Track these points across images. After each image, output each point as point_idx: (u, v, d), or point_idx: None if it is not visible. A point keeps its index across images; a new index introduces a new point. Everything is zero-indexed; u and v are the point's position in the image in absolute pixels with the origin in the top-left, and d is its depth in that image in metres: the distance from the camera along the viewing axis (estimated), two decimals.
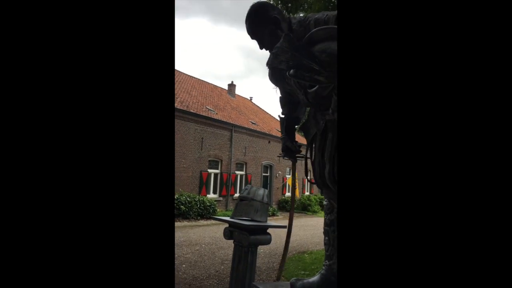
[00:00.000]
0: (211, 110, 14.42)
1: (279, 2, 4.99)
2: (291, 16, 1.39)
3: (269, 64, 1.36)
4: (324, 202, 1.61)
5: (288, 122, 1.75)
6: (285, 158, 1.79)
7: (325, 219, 1.57)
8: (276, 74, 1.51)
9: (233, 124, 14.73)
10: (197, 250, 5.49)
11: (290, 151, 1.74)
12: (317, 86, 1.35)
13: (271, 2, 4.68)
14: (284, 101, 1.74)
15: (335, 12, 1.30)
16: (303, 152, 1.69)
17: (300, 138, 1.81)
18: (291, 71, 1.27)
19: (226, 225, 2.21)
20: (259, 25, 1.43)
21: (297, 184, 15.40)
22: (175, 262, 4.50)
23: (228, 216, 2.51)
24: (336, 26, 1.26)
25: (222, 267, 4.38)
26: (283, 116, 1.78)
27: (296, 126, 1.84)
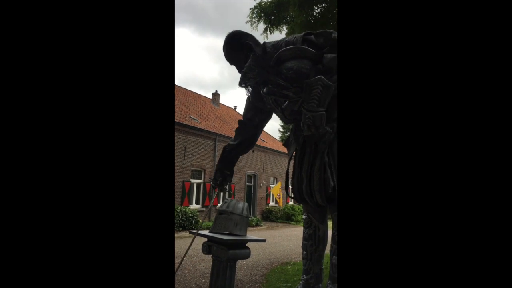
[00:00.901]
0: (194, 119, 14.32)
1: (262, 15, 5.08)
2: (266, 41, 1.55)
3: (240, 82, 1.45)
4: (303, 216, 1.62)
5: (229, 153, 1.90)
6: (214, 187, 1.94)
7: (303, 233, 1.58)
8: (257, 96, 1.65)
9: (217, 133, 14.67)
10: (178, 263, 5.35)
11: (216, 182, 1.88)
12: (287, 101, 1.45)
13: (255, 16, 4.76)
14: (249, 106, 1.80)
15: (302, 34, 1.42)
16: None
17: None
18: (265, 89, 1.37)
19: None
20: (234, 51, 1.57)
21: (280, 193, 15.42)
22: None
23: (209, 227, 2.47)
24: (301, 46, 1.38)
25: (203, 280, 4.28)
26: (242, 121, 1.87)
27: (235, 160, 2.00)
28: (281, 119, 1.64)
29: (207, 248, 2.10)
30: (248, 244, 2.14)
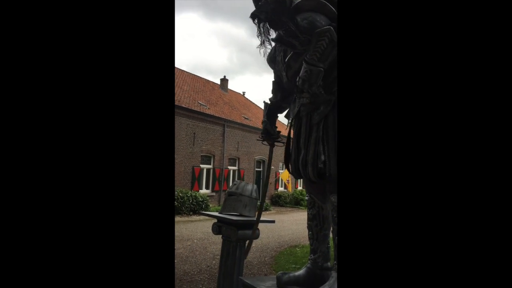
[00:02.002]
0: (203, 105, 14.32)
1: None
2: None
3: (253, 12, 1.43)
4: (306, 197, 1.62)
5: (271, 108, 1.80)
6: (264, 143, 1.84)
7: (308, 214, 1.58)
8: (270, 54, 1.62)
9: (225, 119, 14.67)
10: (189, 245, 5.49)
11: (269, 135, 1.78)
12: (290, 53, 1.43)
13: None
14: (276, 87, 1.77)
15: None
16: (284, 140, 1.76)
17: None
18: (276, 35, 1.38)
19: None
20: None
21: (289, 178, 15.48)
22: None
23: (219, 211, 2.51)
24: (323, 1, 1.36)
25: (214, 262, 4.40)
26: (269, 102, 1.82)
27: (278, 114, 1.90)
28: (284, 82, 1.62)
29: (217, 228, 2.14)
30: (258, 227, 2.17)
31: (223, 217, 2.08)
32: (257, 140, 2.04)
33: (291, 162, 1.56)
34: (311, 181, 1.48)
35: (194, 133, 13.02)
